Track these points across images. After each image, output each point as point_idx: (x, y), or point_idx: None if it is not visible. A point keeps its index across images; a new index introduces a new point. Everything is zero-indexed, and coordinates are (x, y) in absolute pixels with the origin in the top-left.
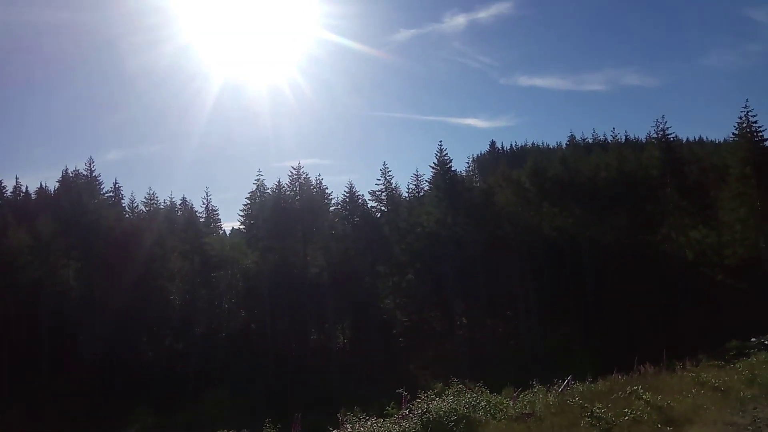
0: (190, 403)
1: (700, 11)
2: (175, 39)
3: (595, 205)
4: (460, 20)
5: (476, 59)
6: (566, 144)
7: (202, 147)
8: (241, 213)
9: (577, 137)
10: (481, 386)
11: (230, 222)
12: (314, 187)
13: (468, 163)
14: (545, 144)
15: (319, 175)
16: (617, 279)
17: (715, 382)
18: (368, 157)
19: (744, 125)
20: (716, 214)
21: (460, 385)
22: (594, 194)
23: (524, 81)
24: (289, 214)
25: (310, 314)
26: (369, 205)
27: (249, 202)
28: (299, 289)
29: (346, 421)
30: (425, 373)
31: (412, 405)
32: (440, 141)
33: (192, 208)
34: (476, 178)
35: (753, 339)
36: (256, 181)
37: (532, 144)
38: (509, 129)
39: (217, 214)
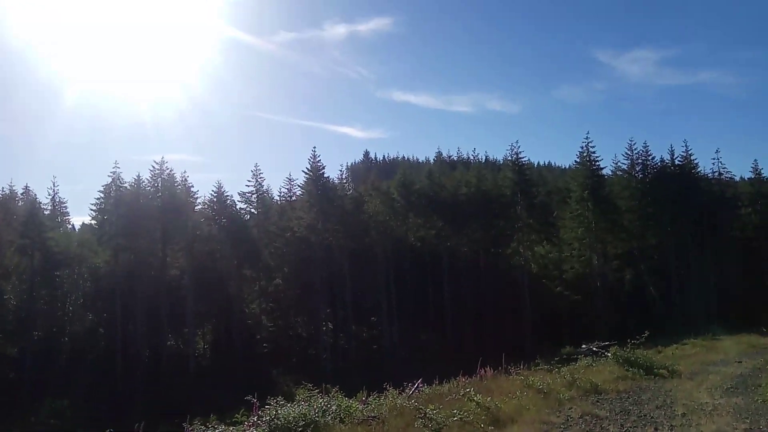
0: (25, 414)
1: (555, 48)
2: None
3: (455, 218)
4: (340, 30)
5: (355, 70)
6: (434, 159)
7: (53, 132)
8: (93, 207)
9: (444, 154)
10: (337, 391)
11: (81, 216)
12: (178, 184)
13: (341, 170)
14: (415, 158)
15: (185, 171)
16: (472, 288)
17: (540, 385)
18: (242, 156)
19: (584, 154)
20: (558, 232)
21: (314, 390)
22: (455, 208)
23: (399, 96)
24: (147, 211)
25: (167, 318)
26: (238, 207)
27: (102, 195)
28: (156, 292)
29: (193, 430)
30: (288, 379)
31: (262, 412)
32: (314, 147)
33: (35, 198)
34: (349, 186)
35: (583, 345)
36: (111, 174)
37: (403, 157)
38: (383, 140)
39: (65, 207)
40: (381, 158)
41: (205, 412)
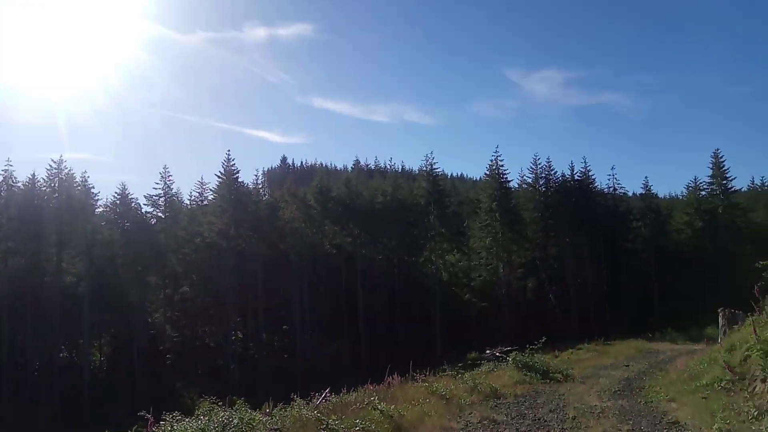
0: None
1: (470, 65)
2: None
3: (371, 226)
4: (260, 33)
5: (275, 74)
6: (352, 167)
7: None
8: None
9: (362, 162)
10: (243, 402)
11: None
12: (78, 185)
13: (257, 175)
14: (333, 165)
15: (85, 171)
16: (386, 295)
17: (444, 391)
18: (154, 158)
19: (494, 167)
20: (468, 241)
21: (218, 403)
22: (371, 216)
23: (319, 103)
24: (42, 213)
25: (60, 328)
26: (144, 210)
27: None
28: (49, 299)
29: None
30: (192, 392)
31: (156, 428)
32: (228, 150)
33: None
34: (265, 191)
35: (487, 351)
36: (3, 172)
37: (321, 164)
38: (302, 146)
39: None
40: (299, 164)
41: (99, 430)
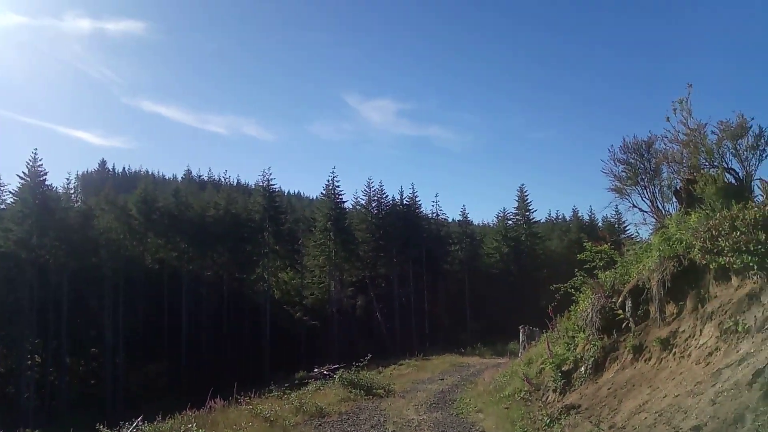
0: None
1: (310, 85)
2: None
3: (201, 240)
4: (84, 24)
5: (98, 70)
6: (182, 177)
7: None
8: None
9: (194, 173)
10: None
11: None
12: None
13: (70, 179)
14: (161, 174)
15: None
16: (213, 314)
17: (268, 413)
18: None
19: (330, 187)
20: (302, 259)
21: None
22: (202, 230)
23: (148, 106)
24: None
25: None
26: None
27: None
28: None
29: None
30: None
31: None
32: (35, 148)
33: None
34: (78, 197)
35: (315, 369)
36: None
37: (147, 171)
38: (125, 151)
39: None
40: (121, 170)
41: None
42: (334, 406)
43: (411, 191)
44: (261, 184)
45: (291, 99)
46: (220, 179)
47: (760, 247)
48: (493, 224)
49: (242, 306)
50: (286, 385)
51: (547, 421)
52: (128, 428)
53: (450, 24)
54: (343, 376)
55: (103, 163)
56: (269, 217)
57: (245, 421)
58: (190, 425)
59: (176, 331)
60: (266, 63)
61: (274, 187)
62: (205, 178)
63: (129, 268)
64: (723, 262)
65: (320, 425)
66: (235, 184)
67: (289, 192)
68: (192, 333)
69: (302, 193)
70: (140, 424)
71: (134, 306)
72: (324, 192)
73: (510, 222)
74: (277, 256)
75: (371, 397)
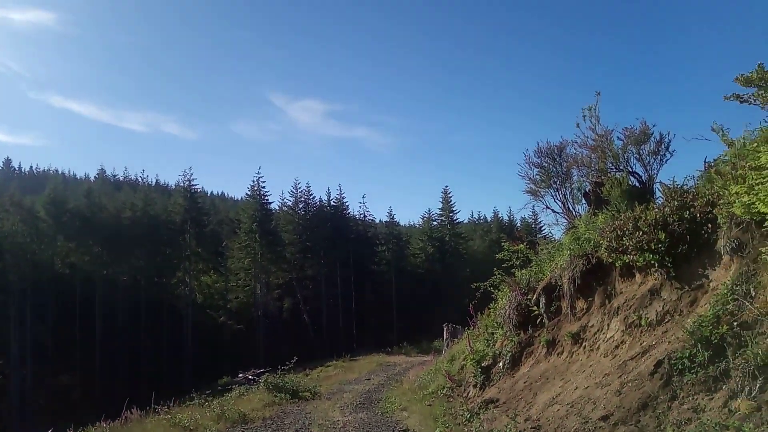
0: None
1: (234, 83)
2: None
3: (116, 244)
4: None
5: (2, 63)
6: (96, 177)
7: None
8: None
9: (108, 172)
10: None
11: None
12: None
13: None
14: (72, 173)
15: None
16: (130, 321)
17: (188, 422)
18: None
19: (256, 188)
20: (226, 262)
21: None
22: (117, 233)
23: (59, 101)
24: None
25: None
26: None
27: None
28: None
29: None
30: None
31: None
32: None
33: None
34: None
35: (240, 374)
36: None
37: (56, 170)
38: (33, 149)
39: None
40: (28, 169)
41: None
42: (258, 411)
43: (338, 192)
44: (182, 184)
45: (214, 97)
46: (137, 179)
47: (660, 245)
48: (419, 225)
49: (162, 312)
50: (208, 392)
51: (468, 416)
52: None
53: (372, 30)
54: (268, 380)
55: (8, 161)
56: (191, 219)
57: (163, 431)
58: None
59: (89, 340)
60: (188, 59)
61: (195, 187)
62: (121, 178)
63: (37, 273)
64: (627, 260)
65: None
66: (153, 184)
67: (212, 193)
68: (107, 342)
69: (226, 194)
70: None
71: (43, 314)
72: (249, 193)
73: (435, 223)
74: (199, 259)
75: (297, 400)
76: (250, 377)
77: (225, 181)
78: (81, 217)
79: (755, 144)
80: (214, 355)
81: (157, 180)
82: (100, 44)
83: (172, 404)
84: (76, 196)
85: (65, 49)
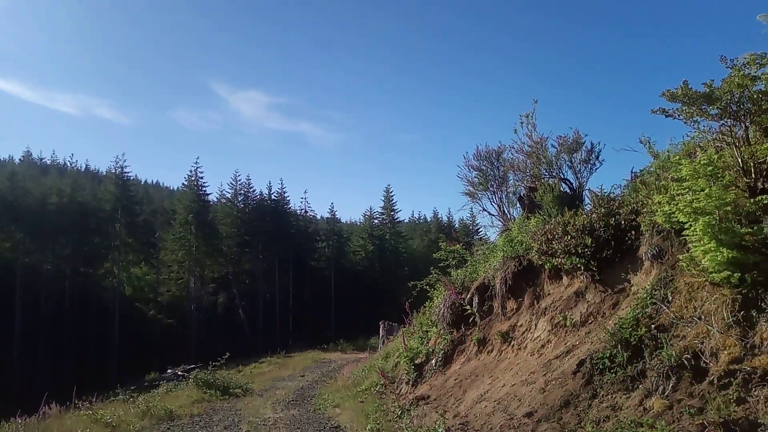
0: None
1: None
2: None
3: (40, 231)
4: None
5: None
6: (20, 159)
7: None
8: None
9: (35, 155)
10: None
11: None
12: None
13: None
14: None
15: None
16: (53, 312)
17: (110, 419)
18: None
19: (193, 178)
20: (159, 253)
21: None
22: (41, 219)
23: None
24: None
25: None
26: None
27: None
28: None
29: None
30: None
31: None
32: None
33: None
34: None
35: (169, 370)
36: None
37: None
38: None
39: None
40: None
41: None
42: (186, 408)
43: (280, 186)
44: (113, 171)
45: (152, 82)
46: (65, 163)
47: (586, 250)
48: (360, 222)
49: (87, 303)
50: (134, 388)
51: (399, 413)
52: None
53: (321, 23)
54: (198, 376)
55: None
56: (122, 207)
57: (83, 428)
58: None
59: (8, 332)
60: (125, 40)
61: (128, 174)
62: (48, 162)
63: None
64: (556, 263)
65: (169, 429)
66: (83, 169)
67: (146, 181)
68: (27, 334)
69: (162, 183)
70: None
71: None
72: (186, 183)
73: (376, 221)
74: (129, 250)
75: (228, 397)
76: (179, 373)
77: (160, 169)
78: (3, 201)
79: (677, 157)
80: (142, 350)
81: (87, 165)
82: (31, 21)
83: (94, 399)
84: None
85: None
